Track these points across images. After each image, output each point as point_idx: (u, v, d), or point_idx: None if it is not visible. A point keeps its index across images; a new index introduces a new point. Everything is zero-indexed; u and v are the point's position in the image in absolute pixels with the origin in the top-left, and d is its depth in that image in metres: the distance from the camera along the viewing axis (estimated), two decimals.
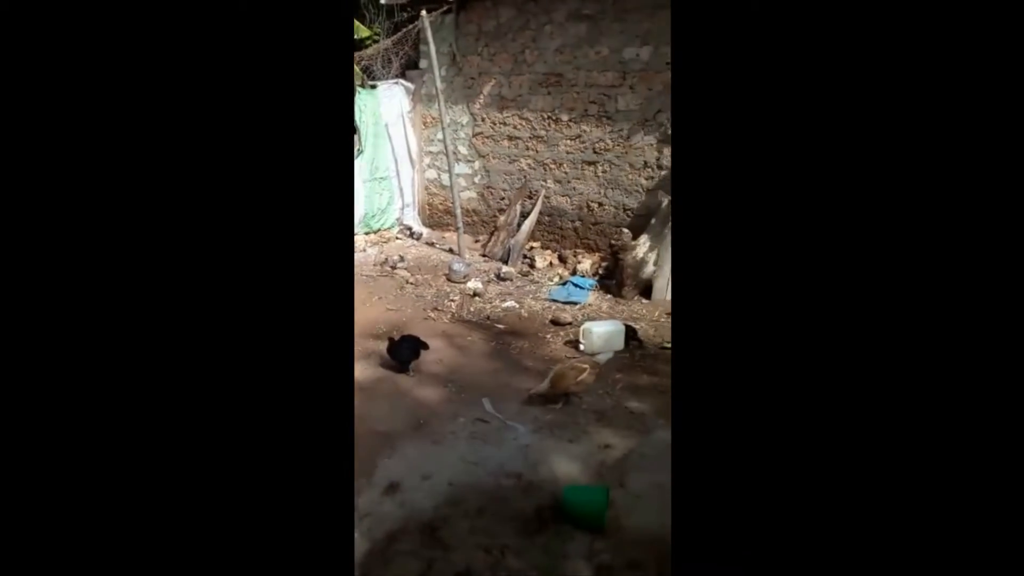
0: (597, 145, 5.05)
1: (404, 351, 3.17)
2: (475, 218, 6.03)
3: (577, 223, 5.34)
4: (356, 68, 5.59)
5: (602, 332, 3.44)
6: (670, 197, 4.29)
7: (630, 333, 3.55)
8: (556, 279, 4.84)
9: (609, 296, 4.40)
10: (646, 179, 4.82)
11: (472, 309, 4.22)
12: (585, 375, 2.76)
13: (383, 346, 3.26)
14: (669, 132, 4.60)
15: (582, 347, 3.43)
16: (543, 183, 5.48)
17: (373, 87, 5.78)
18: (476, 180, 5.98)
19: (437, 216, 6.31)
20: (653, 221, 4.36)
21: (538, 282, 4.82)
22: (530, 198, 5.52)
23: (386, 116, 5.82)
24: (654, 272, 4.34)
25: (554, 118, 5.26)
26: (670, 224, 4.25)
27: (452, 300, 4.35)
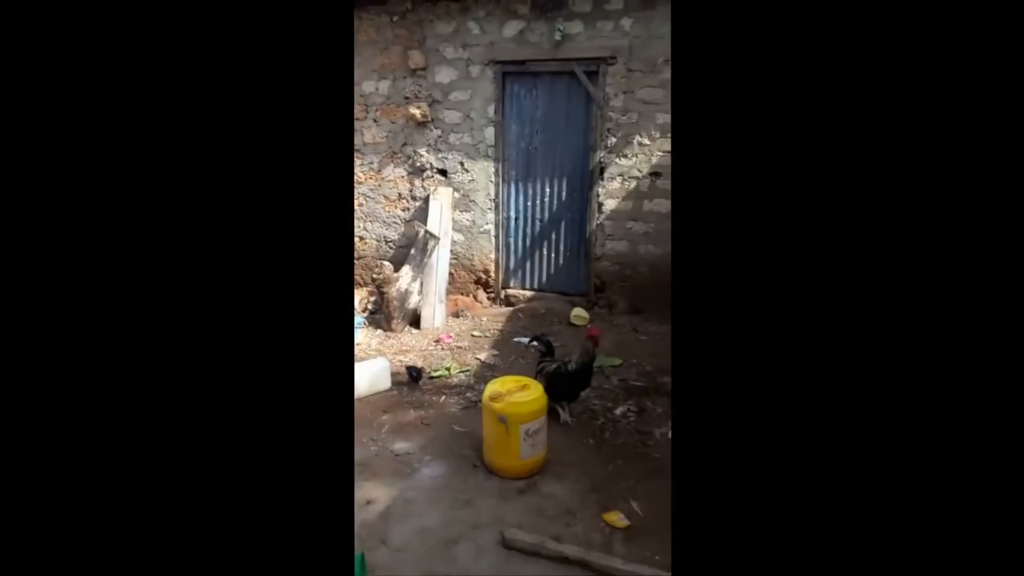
0: None
1: None
2: None
3: None
4: None
5: (364, 376, 3.33)
6: (426, 227, 4.40)
7: (413, 374, 3.47)
8: None
9: (380, 331, 4.32)
10: (402, 210, 4.87)
11: None
12: None
13: None
14: (417, 164, 4.72)
15: None
16: None
17: None
18: None
19: None
20: (413, 251, 4.42)
21: None
22: None
23: None
24: (420, 301, 4.39)
25: None
26: (428, 253, 4.35)
27: None
